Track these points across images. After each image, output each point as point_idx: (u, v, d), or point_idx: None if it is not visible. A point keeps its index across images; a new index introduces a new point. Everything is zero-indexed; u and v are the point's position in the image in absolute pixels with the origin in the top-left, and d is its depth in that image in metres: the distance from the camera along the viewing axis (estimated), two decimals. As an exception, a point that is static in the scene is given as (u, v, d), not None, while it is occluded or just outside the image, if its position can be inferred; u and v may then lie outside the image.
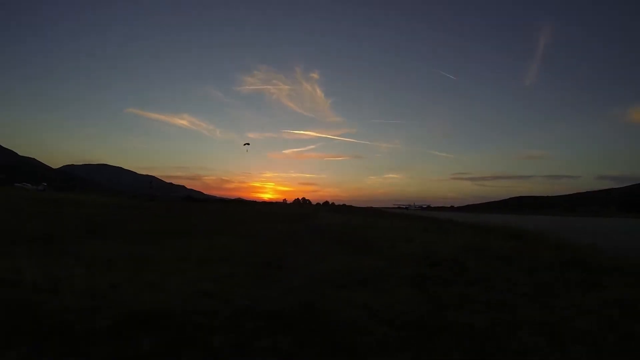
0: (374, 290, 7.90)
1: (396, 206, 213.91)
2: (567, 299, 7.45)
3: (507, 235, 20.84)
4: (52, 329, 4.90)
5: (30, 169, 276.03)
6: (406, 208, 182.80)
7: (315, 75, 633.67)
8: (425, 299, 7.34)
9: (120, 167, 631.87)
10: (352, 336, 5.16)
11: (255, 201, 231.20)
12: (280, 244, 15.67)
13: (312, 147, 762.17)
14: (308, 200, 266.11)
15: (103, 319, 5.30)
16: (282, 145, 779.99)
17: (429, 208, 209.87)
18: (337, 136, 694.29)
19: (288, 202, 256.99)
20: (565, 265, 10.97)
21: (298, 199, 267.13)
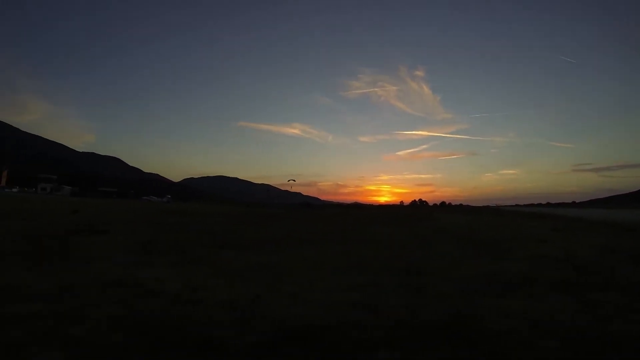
0: (523, 297, 7.46)
1: None
2: None
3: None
4: (202, 343, 4.79)
5: (155, 183, 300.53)
6: None
7: (420, 73, 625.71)
8: (581, 307, 6.78)
9: (236, 178, 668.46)
10: (516, 349, 4.81)
11: (372, 204, 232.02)
12: (409, 248, 15.41)
13: (425, 146, 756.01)
14: (425, 201, 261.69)
15: (253, 333, 5.18)
16: (396, 146, 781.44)
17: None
18: (450, 134, 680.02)
19: (405, 204, 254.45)
20: None
21: (415, 200, 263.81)
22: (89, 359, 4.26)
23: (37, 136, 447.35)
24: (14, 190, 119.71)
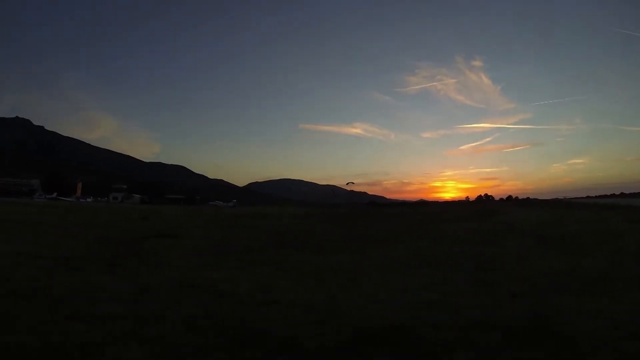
0: (602, 296, 7.07)
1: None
2: None
3: None
4: (281, 345, 4.75)
5: (220, 189, 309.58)
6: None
7: (478, 63, 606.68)
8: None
9: (301, 180, 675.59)
10: (596, 351, 4.56)
11: (438, 201, 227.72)
12: (478, 244, 15.10)
13: (488, 139, 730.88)
14: (491, 196, 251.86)
15: (332, 334, 5.09)
16: (458, 141, 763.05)
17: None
18: (513, 124, 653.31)
19: (470, 199, 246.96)
20: None
21: (480, 195, 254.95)
22: (167, 358, 4.38)
23: (107, 150, 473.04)
24: (89, 200, 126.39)
